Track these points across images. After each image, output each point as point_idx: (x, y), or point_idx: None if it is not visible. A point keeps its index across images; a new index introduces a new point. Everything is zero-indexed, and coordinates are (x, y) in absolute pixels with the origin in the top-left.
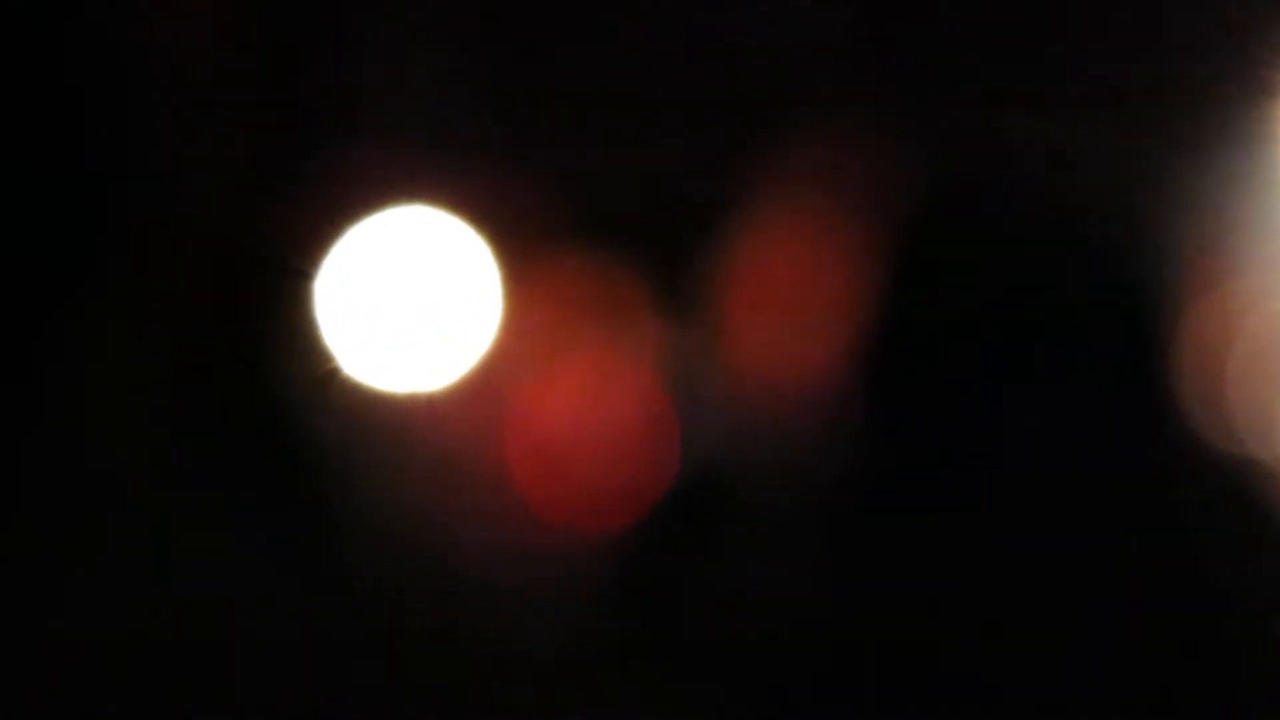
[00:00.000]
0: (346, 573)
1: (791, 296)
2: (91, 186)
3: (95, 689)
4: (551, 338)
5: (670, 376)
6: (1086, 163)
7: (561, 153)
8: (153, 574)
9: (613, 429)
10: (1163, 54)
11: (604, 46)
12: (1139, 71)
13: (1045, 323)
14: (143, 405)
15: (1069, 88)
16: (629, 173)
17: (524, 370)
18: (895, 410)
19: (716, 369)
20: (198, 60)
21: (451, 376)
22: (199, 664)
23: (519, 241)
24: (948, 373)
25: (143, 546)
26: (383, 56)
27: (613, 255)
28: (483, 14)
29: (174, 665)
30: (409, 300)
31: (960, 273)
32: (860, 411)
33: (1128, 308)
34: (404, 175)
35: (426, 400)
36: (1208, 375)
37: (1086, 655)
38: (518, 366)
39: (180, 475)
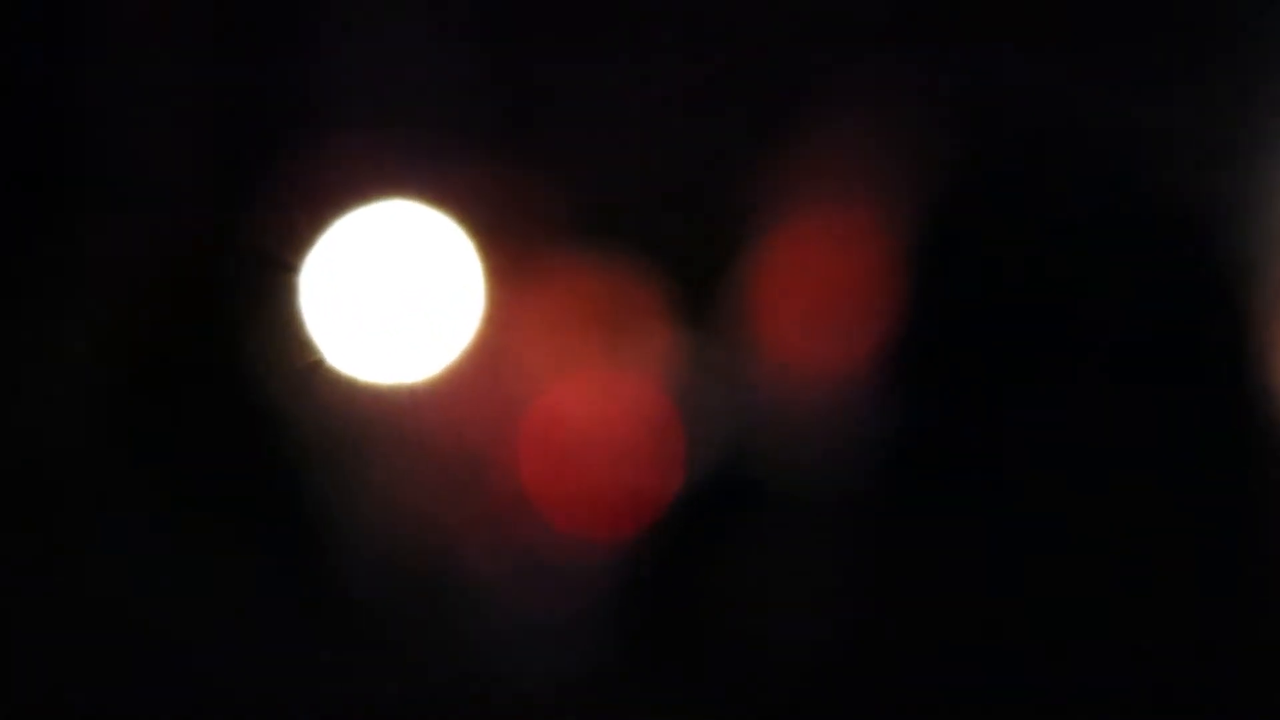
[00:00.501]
0: (333, 561)
1: (807, 294)
2: (78, 183)
3: (78, 685)
4: (542, 333)
5: (673, 376)
6: (1175, 148)
7: (553, 148)
8: (141, 561)
9: (613, 430)
10: (1257, 35)
11: (596, 42)
12: (1229, 53)
13: (1126, 315)
14: (129, 396)
15: (1154, 69)
16: (624, 168)
17: (509, 365)
18: (949, 403)
19: (720, 368)
20: (186, 60)
21: (436, 368)
22: (186, 652)
23: (509, 237)
24: (1016, 368)
25: (130, 535)
26: (371, 54)
27: (608, 252)
28: (475, 7)
29: (161, 654)
30: (393, 293)
31: (1033, 265)
32: (897, 410)
33: (1218, 298)
34: (389, 171)
35: (410, 392)
36: None
37: (1172, 653)
38: (503, 361)
39: (166, 466)
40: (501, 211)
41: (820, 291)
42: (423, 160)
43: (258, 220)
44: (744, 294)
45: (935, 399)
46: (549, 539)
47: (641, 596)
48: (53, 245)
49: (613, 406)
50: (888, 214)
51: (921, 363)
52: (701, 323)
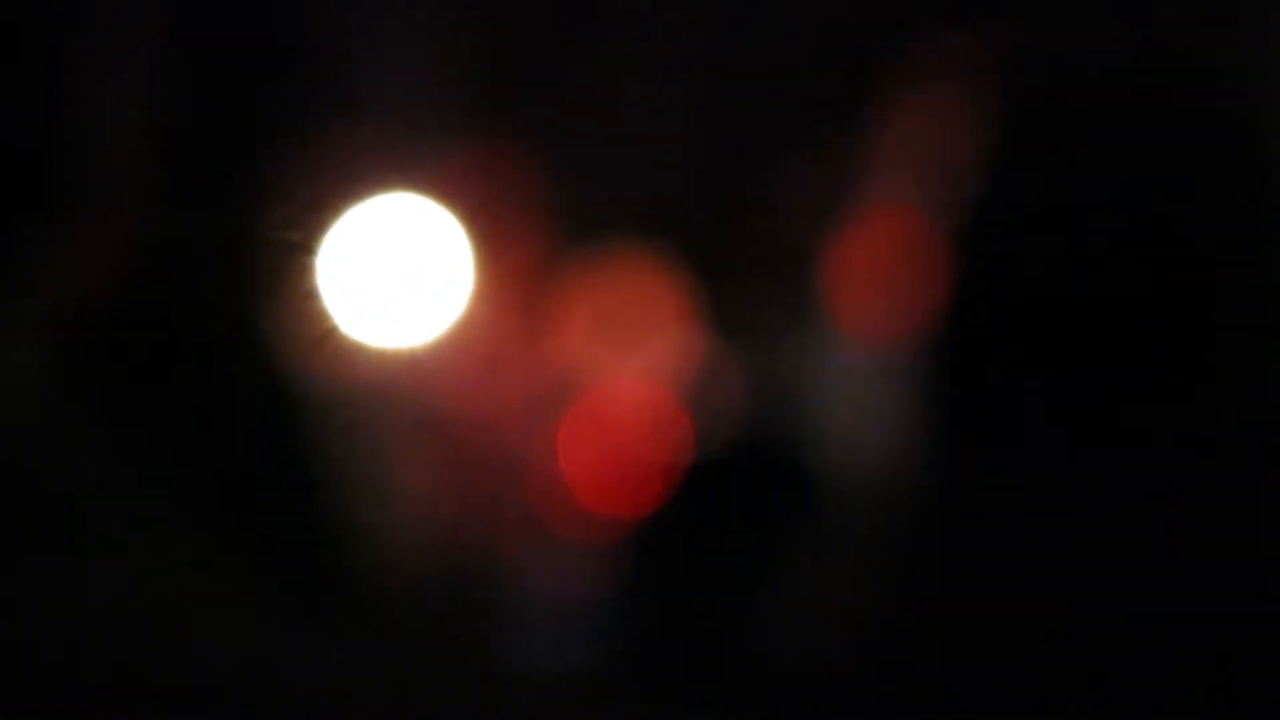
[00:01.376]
0: (343, 541)
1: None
2: (95, 173)
3: (77, 682)
4: (535, 311)
5: (680, 366)
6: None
7: (550, 139)
8: (153, 538)
9: (617, 409)
10: None
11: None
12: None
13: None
14: (164, 359)
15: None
16: (628, 158)
17: (500, 337)
18: (979, 398)
19: (721, 354)
20: (215, 64)
21: (431, 336)
22: (190, 639)
23: (509, 224)
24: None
25: (141, 514)
26: (384, 56)
27: (610, 242)
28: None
29: (166, 637)
30: (396, 271)
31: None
32: (928, 402)
33: None
34: (395, 165)
35: (410, 355)
36: None
37: (1199, 663)
38: (494, 333)
39: (193, 422)
40: (500, 200)
41: (840, 279)
42: (426, 152)
43: (281, 210)
44: (754, 280)
45: (969, 392)
46: (559, 517)
47: (647, 585)
48: (70, 232)
49: (617, 387)
50: (929, 204)
51: (964, 352)
52: (703, 307)
